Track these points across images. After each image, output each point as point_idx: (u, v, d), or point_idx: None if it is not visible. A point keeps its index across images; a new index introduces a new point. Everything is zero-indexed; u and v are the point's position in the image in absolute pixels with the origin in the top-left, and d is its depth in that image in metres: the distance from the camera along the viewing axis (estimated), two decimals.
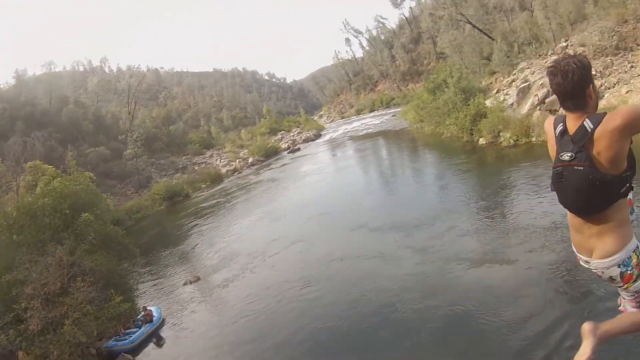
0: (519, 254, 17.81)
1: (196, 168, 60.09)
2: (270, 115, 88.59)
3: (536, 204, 21.95)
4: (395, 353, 13.85)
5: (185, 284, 22.65)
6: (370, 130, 64.29)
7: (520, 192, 24.74)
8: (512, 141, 33.45)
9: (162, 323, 18.68)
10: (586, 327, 4.41)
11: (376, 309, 16.54)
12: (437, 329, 14.47)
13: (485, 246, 19.44)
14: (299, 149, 62.99)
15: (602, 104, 29.42)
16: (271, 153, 62.14)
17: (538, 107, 33.96)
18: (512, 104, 37.12)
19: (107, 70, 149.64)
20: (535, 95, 34.64)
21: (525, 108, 35.30)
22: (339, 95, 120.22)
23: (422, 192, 31.62)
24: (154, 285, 24.40)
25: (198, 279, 22.81)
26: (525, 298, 15.01)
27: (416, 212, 25.81)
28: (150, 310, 18.76)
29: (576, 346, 10.88)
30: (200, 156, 67.45)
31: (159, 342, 18.01)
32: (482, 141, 36.79)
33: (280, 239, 26.61)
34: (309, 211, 31.63)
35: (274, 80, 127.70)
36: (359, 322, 16.07)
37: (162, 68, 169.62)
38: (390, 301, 16.74)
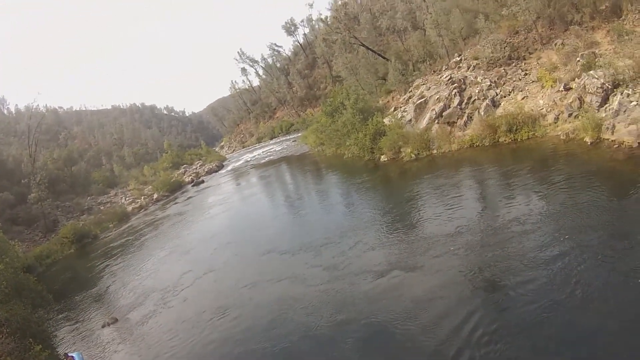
0: (426, 261, 20.02)
1: (102, 208, 58.98)
2: (172, 150, 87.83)
3: (440, 213, 24.31)
4: None
5: (103, 326, 22.76)
6: (272, 157, 65.23)
7: (424, 203, 27.23)
8: (413, 155, 36.04)
9: None
10: None
11: (294, 328, 17.94)
12: (356, 340, 16.06)
13: (393, 256, 21.34)
14: (202, 181, 62.61)
15: (499, 111, 32.57)
16: (175, 187, 62.14)
17: (436, 121, 36.51)
18: (410, 120, 39.36)
19: (5, 112, 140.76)
20: (433, 109, 37.07)
21: (424, 123, 37.75)
22: (238, 125, 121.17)
23: (327, 212, 33.18)
24: (72, 330, 24.15)
25: (116, 320, 23.08)
26: (435, 300, 16.96)
27: (323, 232, 27.56)
28: (72, 357, 18.79)
29: (485, 336, 13.84)
30: (105, 195, 66.12)
31: None
32: (383, 158, 38.98)
33: (191, 271, 27.43)
34: (218, 241, 32.62)
35: (173, 114, 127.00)
36: (279, 342, 17.37)
37: (61, 107, 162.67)
38: (306, 319, 18.22)
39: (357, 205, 31.50)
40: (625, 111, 24.59)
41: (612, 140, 24.43)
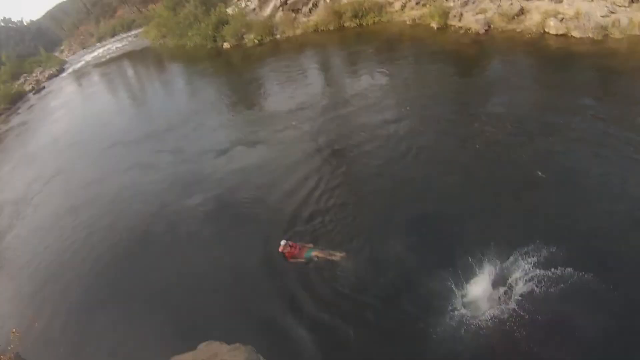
0: (268, 135, 21.29)
1: None
2: (10, 61, 78.64)
3: (282, 92, 25.45)
4: (173, 251, 15.88)
5: None
6: (113, 54, 61.93)
7: (266, 83, 28.12)
8: (256, 41, 36.49)
9: None
10: None
11: (144, 212, 18.41)
12: (206, 212, 16.93)
13: (236, 135, 22.65)
14: (44, 88, 59.05)
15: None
16: (16, 98, 56.85)
17: (280, 9, 36.47)
18: (254, 9, 39.44)
19: None
20: None
21: (268, 11, 37.82)
22: (78, 27, 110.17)
23: (171, 100, 33.27)
24: None
25: None
26: (278, 169, 18.13)
27: (167, 120, 27.84)
28: None
29: (328, 191, 14.73)
30: None
31: None
32: (226, 45, 39.22)
33: (40, 177, 26.78)
34: (62, 144, 31.61)
35: (10, 25, 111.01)
36: (131, 228, 17.81)
37: None
38: (155, 203, 18.72)
39: (200, 91, 31.88)
40: (474, 2, 25.73)
41: (458, 27, 25.82)
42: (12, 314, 16.07)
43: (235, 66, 34.83)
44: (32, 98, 54.32)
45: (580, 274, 11.19)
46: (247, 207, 16.91)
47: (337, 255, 13.85)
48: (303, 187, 16.74)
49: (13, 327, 14.32)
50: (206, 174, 19.68)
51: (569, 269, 11.32)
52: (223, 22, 39.71)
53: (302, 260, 14.04)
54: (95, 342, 13.49)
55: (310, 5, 34.31)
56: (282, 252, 14.10)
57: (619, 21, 21.38)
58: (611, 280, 10.69)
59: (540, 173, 15.20)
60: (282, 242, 14.20)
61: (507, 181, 15.23)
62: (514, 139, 16.72)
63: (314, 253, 13.93)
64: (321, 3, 33.59)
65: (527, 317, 11.04)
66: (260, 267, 14.40)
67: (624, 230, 12.56)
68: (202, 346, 8.00)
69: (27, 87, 61.01)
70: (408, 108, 19.68)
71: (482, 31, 24.42)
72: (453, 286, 12.11)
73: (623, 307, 10.48)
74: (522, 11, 24.13)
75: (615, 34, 21.54)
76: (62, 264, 17.62)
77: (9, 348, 13.59)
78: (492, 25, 24.50)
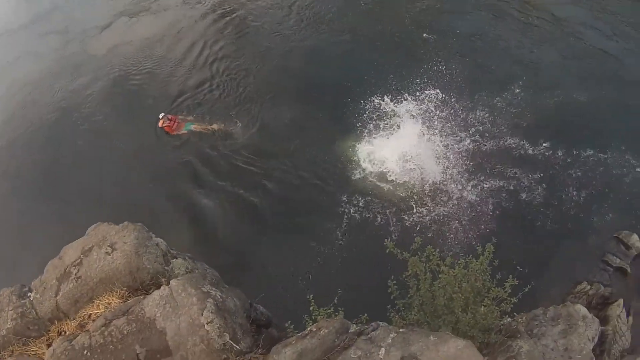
0: (153, 2, 19.51)
1: None
2: None
3: None
4: (67, 138, 15.58)
5: None
6: None
7: None
8: None
9: None
10: None
11: (40, 106, 17.50)
12: (98, 102, 16.50)
13: (120, 5, 20.55)
14: None
15: None
16: None
17: None
18: None
19: None
20: None
21: None
22: None
23: None
24: None
25: None
26: (172, 37, 17.71)
27: None
28: None
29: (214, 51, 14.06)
30: None
31: None
32: None
33: None
34: None
35: None
36: (31, 122, 16.94)
37: None
38: (47, 92, 17.85)
39: None
40: None
41: None
42: None
43: None
44: None
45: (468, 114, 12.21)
46: (136, 83, 16.59)
47: (217, 126, 13.76)
48: (190, 56, 16.46)
49: None
50: (93, 53, 18.59)
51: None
52: None
53: (184, 133, 13.85)
54: None
55: None
56: (162, 127, 13.81)
57: None
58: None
59: (425, 34, 15.46)
60: (160, 116, 14.07)
61: (393, 41, 15.32)
62: None
63: (193, 126, 13.79)
64: None
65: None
66: (150, 147, 14.22)
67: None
68: (90, 230, 7.78)
69: None
70: None
71: None
72: (348, 144, 12.47)
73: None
74: None
75: None
76: None
77: None
78: None
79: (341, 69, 14.65)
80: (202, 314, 6.37)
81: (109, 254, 7.41)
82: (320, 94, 14.12)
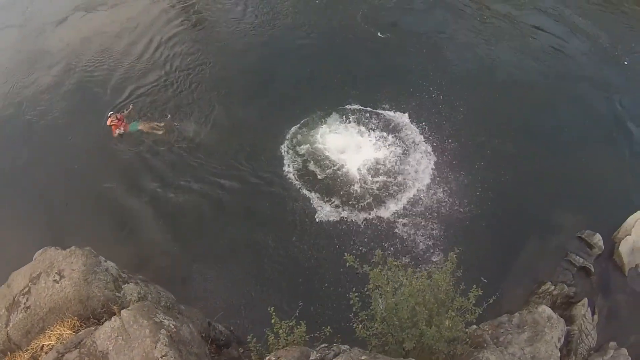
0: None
1: None
2: None
3: None
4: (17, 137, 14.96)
5: None
6: None
7: None
8: None
9: None
10: None
11: None
12: (53, 97, 16.00)
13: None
14: None
15: None
16: None
17: None
18: None
19: None
20: None
21: None
22: None
23: None
24: None
25: None
26: (128, 30, 17.39)
27: None
28: None
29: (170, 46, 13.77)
30: None
31: None
32: None
33: None
34: None
35: None
36: None
37: None
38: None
39: None
40: None
41: None
42: None
43: None
44: None
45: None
46: (92, 78, 16.47)
47: (162, 125, 13.60)
48: (147, 52, 16.30)
49: None
50: (48, 48, 18.11)
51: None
52: None
53: (128, 132, 13.76)
54: None
55: None
56: (110, 126, 13.70)
57: None
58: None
59: (380, 34, 15.41)
60: (109, 114, 14.04)
61: (347, 37, 15.34)
62: None
63: (139, 126, 13.66)
64: None
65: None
66: (101, 146, 13.99)
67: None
68: (37, 255, 7.39)
69: None
70: None
71: None
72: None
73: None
74: None
75: None
76: None
77: None
78: None
79: (295, 65, 14.56)
80: (155, 347, 6.10)
81: (57, 282, 7.05)
82: (273, 91, 13.93)
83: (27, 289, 7.27)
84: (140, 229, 12.05)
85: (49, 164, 14.14)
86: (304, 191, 12.47)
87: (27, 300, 7.19)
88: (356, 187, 12.69)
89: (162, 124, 13.71)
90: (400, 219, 12.34)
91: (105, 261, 7.35)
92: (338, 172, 12.85)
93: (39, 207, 12.89)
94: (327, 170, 12.81)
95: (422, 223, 12.23)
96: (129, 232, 11.94)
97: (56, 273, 7.10)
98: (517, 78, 15.75)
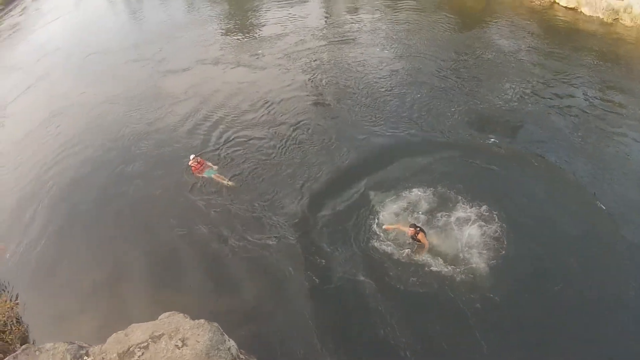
0: (241, 59, 20.95)
1: None
2: None
3: (282, 16, 24.43)
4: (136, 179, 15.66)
5: None
6: None
7: (268, 8, 26.55)
8: None
9: None
10: None
11: (112, 137, 18.00)
12: (161, 140, 16.99)
13: (215, 54, 22.05)
14: None
15: None
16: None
17: None
18: None
19: None
20: None
21: None
22: None
23: (165, 12, 31.18)
24: None
25: None
26: (244, 93, 18.21)
27: (156, 30, 27.24)
28: None
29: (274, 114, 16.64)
30: None
31: None
32: None
33: (21, 83, 25.34)
34: (49, 48, 29.91)
35: None
36: (115, 135, 17.80)
37: None
38: (120, 121, 18.54)
39: (198, 5, 30.07)
40: None
41: None
42: None
43: None
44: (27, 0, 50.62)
45: None
46: (200, 125, 17.29)
47: (231, 183, 14.25)
48: (255, 113, 17.09)
49: None
50: (169, 89, 19.82)
51: None
52: None
53: (203, 177, 14.63)
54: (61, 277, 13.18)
55: None
56: (190, 166, 14.77)
57: (631, 7, 20.13)
58: None
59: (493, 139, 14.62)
60: (191, 157, 14.92)
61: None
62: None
63: (213, 175, 14.35)
64: None
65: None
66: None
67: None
68: (163, 317, 7.62)
69: None
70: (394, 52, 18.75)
71: None
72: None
73: None
74: None
75: (626, 20, 20.36)
76: (37, 181, 17.00)
77: None
78: None
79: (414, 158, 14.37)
80: None
81: (179, 348, 7.16)
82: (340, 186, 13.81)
83: (145, 344, 7.42)
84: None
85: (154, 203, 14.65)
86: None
87: (142, 354, 7.32)
88: None
89: (230, 182, 14.41)
90: None
91: (229, 340, 7.45)
92: None
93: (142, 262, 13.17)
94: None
95: None
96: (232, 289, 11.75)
97: (180, 339, 7.23)
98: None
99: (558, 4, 21.71)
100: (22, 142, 19.39)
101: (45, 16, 39.53)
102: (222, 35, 23.99)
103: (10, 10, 47.94)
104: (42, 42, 31.62)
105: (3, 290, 12.99)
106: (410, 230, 11.28)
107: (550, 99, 15.90)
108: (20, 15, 44.59)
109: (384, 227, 11.87)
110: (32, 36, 35.34)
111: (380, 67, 18.03)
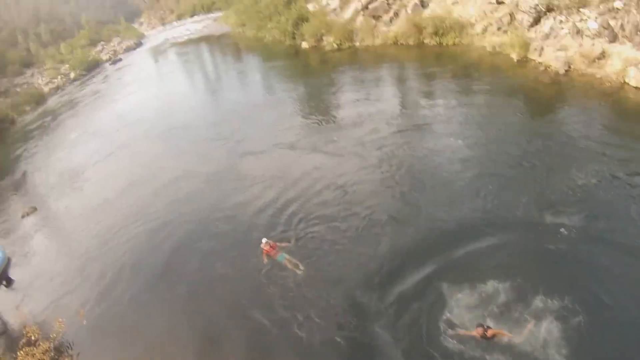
0: (322, 144, 20.62)
1: (18, 90, 52.11)
2: (90, 26, 79.14)
3: (357, 101, 24.41)
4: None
5: (22, 216, 21.57)
6: (192, 35, 59.27)
7: (340, 93, 26.89)
8: (335, 45, 34.10)
9: (8, 263, 16.59)
10: None
11: (201, 200, 18.48)
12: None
13: (293, 138, 21.84)
14: (120, 59, 57.28)
15: (427, 12, 30.58)
16: (93, 66, 56.77)
17: (361, 12, 34.11)
18: (335, 9, 36.94)
19: None
20: (359, 0, 34.56)
21: (349, 13, 35.41)
22: (159, 0, 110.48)
23: (241, 92, 32.47)
24: None
25: (35, 209, 21.94)
26: (320, 181, 17.84)
27: (234, 111, 27.69)
28: None
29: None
30: (21, 76, 57.99)
31: (9, 284, 16.73)
32: (304, 45, 37.21)
33: (101, 150, 26.67)
34: (129, 119, 31.44)
35: None
36: (190, 209, 18.06)
37: None
38: (215, 194, 18.74)
39: (273, 88, 30.99)
40: (555, 37, 23.70)
41: (538, 62, 23.56)
42: (60, 301, 15.71)
43: (313, 69, 33.33)
44: (109, 68, 54.33)
45: None
46: (272, 206, 17.08)
47: (302, 269, 13.80)
48: (329, 194, 16.78)
49: (59, 317, 13.82)
50: (244, 168, 20.06)
51: None
52: (303, 18, 37.51)
53: (275, 260, 14.29)
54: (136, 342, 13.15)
55: (391, 13, 32.25)
56: (262, 249, 14.45)
57: None
58: None
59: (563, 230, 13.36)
60: (264, 240, 14.62)
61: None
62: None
63: (285, 260, 14.01)
64: (402, 13, 31.60)
65: None
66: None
67: None
68: None
69: (104, 57, 60.86)
70: (480, 144, 18.14)
71: (562, 71, 22.32)
72: None
73: None
74: (603, 54, 21.60)
75: None
76: (113, 248, 17.30)
77: (51, 336, 13.20)
78: (572, 66, 22.37)
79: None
80: None
81: None
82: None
83: None
84: None
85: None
86: None
87: None
88: None
89: (301, 267, 13.91)
90: None
91: None
92: None
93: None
94: None
95: None
96: None
97: None
98: None
99: (628, 84, 21.08)
100: (100, 208, 19.85)
101: (126, 87, 42.01)
102: (297, 118, 24.22)
103: (93, 77, 52.05)
104: (123, 112, 33.43)
105: (67, 349, 13.18)
106: (478, 331, 10.30)
107: (627, 185, 14.82)
108: (103, 82, 47.99)
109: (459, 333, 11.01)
110: (114, 105, 37.64)
111: (453, 157, 17.48)
